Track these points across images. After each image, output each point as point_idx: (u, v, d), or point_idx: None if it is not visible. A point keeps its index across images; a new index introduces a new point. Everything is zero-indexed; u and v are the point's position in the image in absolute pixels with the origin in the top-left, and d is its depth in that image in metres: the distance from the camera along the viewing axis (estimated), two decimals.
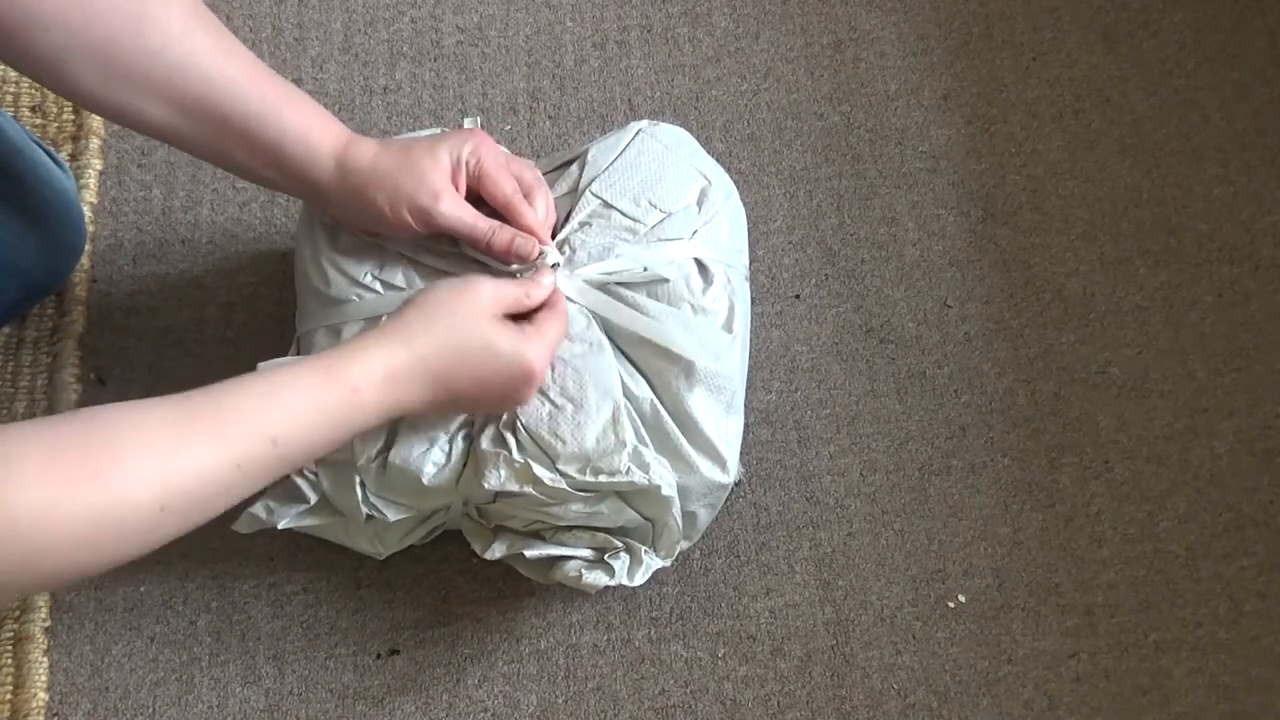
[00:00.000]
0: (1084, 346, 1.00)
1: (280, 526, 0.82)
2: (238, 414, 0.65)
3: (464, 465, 0.80)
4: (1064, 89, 1.11)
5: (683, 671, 0.89)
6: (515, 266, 0.82)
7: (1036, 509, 0.94)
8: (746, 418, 0.88)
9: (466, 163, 0.81)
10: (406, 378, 0.71)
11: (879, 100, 1.10)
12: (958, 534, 0.93)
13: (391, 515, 0.82)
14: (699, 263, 0.85)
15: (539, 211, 0.83)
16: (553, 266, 0.82)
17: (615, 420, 0.79)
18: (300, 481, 0.81)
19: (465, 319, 0.73)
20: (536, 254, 0.81)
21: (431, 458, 0.79)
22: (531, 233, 0.81)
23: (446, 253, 0.85)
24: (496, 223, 0.81)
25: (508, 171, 0.82)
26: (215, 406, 0.64)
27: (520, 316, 0.78)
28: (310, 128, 0.79)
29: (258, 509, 0.83)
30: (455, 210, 0.80)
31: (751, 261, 0.95)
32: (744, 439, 0.87)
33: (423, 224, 0.80)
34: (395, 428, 0.80)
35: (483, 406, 0.78)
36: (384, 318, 0.76)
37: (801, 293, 1.02)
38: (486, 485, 0.78)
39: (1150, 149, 1.08)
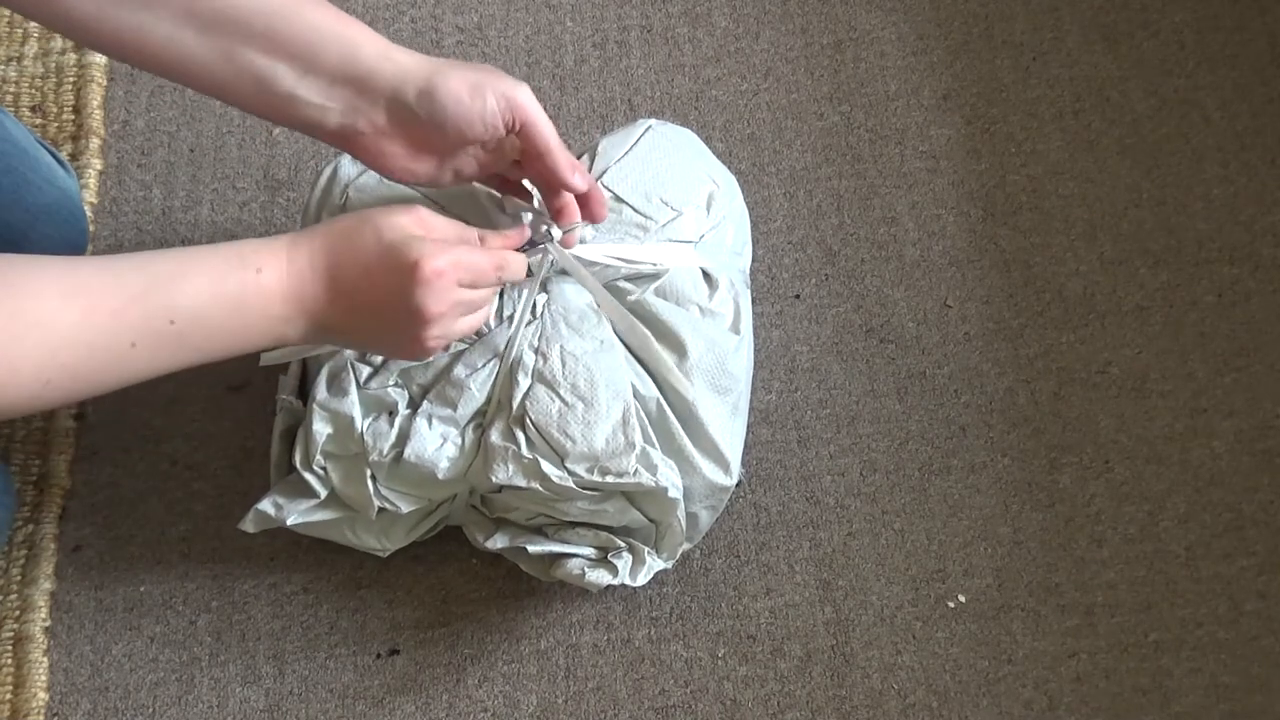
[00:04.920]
0: (1084, 346, 1.00)
1: (289, 523, 0.82)
2: (139, 292, 0.64)
3: (475, 455, 0.80)
4: (1064, 89, 1.11)
5: (683, 671, 0.89)
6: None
7: (1036, 509, 0.94)
8: (747, 418, 0.88)
9: (526, 100, 0.76)
10: (306, 266, 0.69)
11: (879, 100, 1.10)
12: (958, 534, 0.93)
13: (404, 507, 0.82)
14: (703, 268, 0.86)
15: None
16: (542, 239, 0.80)
17: (625, 421, 0.79)
18: (309, 477, 0.81)
19: (371, 221, 0.70)
20: (583, 189, 0.78)
21: (445, 453, 0.79)
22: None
23: (474, 204, 0.84)
24: None
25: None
26: (119, 284, 0.64)
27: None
28: (343, 23, 0.72)
29: (266, 506, 0.82)
30: (538, 104, 0.75)
31: (752, 261, 0.95)
32: (744, 439, 0.87)
33: (506, 111, 0.74)
34: (407, 425, 0.80)
35: (384, 323, 0.71)
36: None
37: (801, 293, 1.02)
38: (494, 479, 0.78)
39: (1150, 149, 1.08)
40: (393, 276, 0.69)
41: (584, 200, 0.80)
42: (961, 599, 0.91)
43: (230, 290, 0.67)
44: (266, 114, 0.75)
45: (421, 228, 0.71)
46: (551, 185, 0.79)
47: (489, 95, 0.73)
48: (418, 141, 0.75)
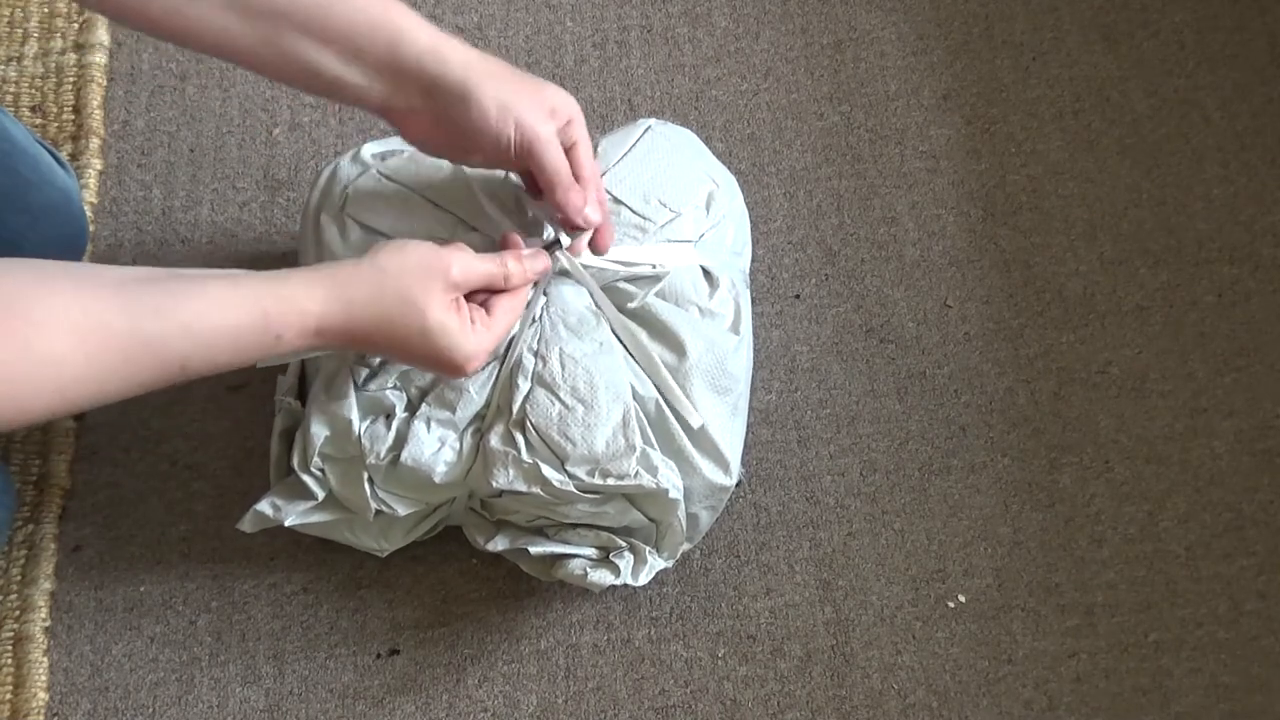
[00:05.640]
0: (1084, 346, 1.00)
1: (287, 524, 0.82)
2: (154, 342, 0.64)
3: (474, 459, 0.80)
4: (1064, 89, 1.11)
5: (683, 671, 0.89)
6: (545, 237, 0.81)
7: (1036, 509, 0.94)
8: (747, 418, 0.88)
9: (569, 119, 0.78)
10: (335, 335, 0.70)
11: (879, 100, 1.10)
12: (958, 534, 0.93)
13: (401, 510, 0.82)
14: (704, 266, 0.86)
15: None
16: (551, 246, 0.80)
17: (625, 423, 0.79)
18: (307, 478, 0.81)
19: (417, 307, 0.71)
20: (593, 226, 0.79)
21: (443, 457, 0.79)
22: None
23: (479, 207, 0.84)
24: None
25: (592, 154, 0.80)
26: (134, 328, 0.64)
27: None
28: (389, 11, 0.73)
29: (264, 506, 0.82)
30: (557, 145, 0.76)
31: (752, 261, 0.95)
32: (744, 439, 0.87)
33: (521, 145, 0.75)
34: (405, 428, 0.79)
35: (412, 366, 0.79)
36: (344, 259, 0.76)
37: (801, 293, 1.02)
38: (495, 484, 0.78)
39: (1150, 149, 1.08)
40: (437, 366, 0.75)
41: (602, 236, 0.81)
42: (961, 599, 0.91)
43: (247, 350, 0.68)
44: (310, 91, 0.77)
45: (461, 286, 0.73)
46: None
47: (510, 125, 0.74)
48: (447, 131, 0.76)
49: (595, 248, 0.81)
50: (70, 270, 0.66)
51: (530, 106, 0.75)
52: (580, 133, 0.79)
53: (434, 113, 0.75)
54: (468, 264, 0.73)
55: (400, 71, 0.74)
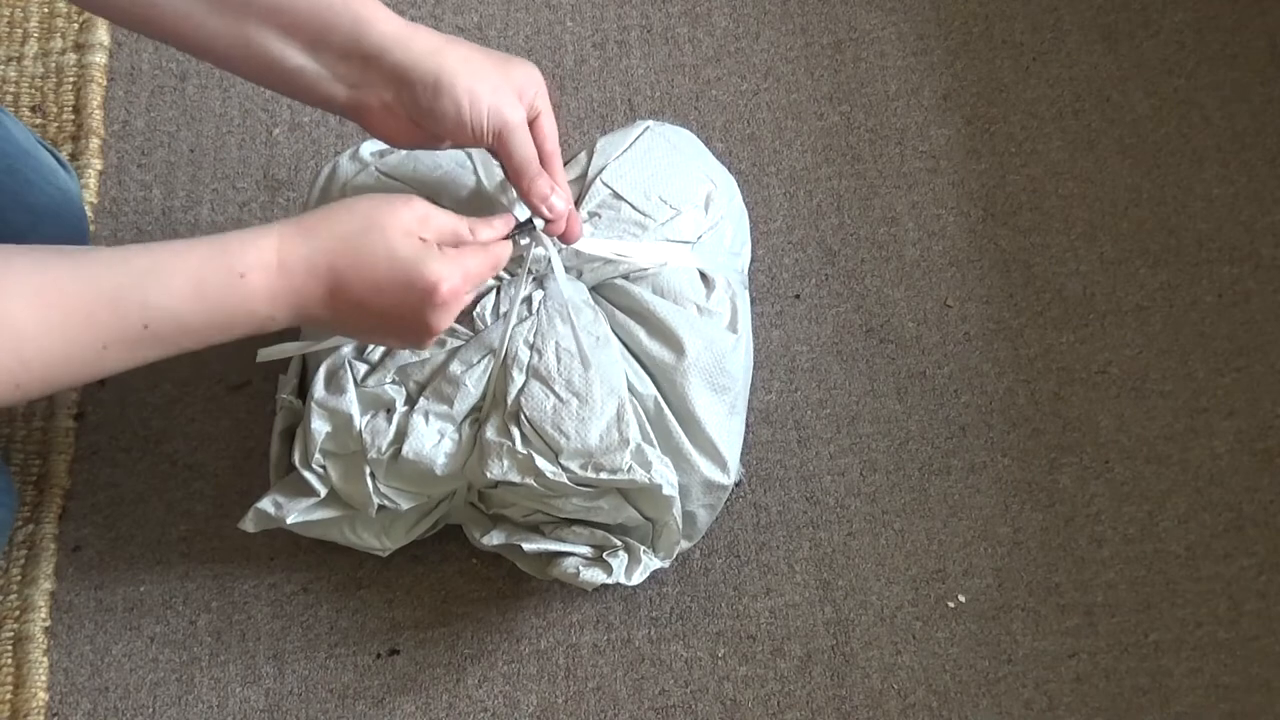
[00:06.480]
0: (1084, 346, 1.00)
1: (289, 522, 0.82)
2: (113, 295, 0.62)
3: (472, 449, 0.80)
4: (1064, 89, 1.11)
5: (683, 671, 0.89)
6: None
7: (1036, 509, 0.94)
8: (747, 418, 0.88)
9: (535, 91, 0.76)
10: (301, 270, 0.66)
11: (879, 100, 1.10)
12: (958, 534, 0.93)
13: (404, 504, 0.82)
14: (700, 270, 0.86)
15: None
16: (526, 224, 0.79)
17: (620, 417, 0.79)
18: (309, 475, 0.81)
19: (378, 225, 0.68)
20: (566, 213, 0.77)
21: (443, 449, 0.80)
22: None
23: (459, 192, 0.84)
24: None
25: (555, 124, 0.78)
26: (91, 283, 0.62)
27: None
28: (357, 1, 0.72)
29: (265, 505, 0.82)
30: (526, 132, 0.75)
31: (751, 261, 0.95)
32: (744, 439, 0.87)
33: (494, 133, 0.74)
34: (405, 422, 0.80)
35: (388, 328, 0.71)
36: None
37: (801, 293, 1.02)
38: (489, 474, 0.79)
39: (1150, 149, 1.08)
40: (408, 295, 0.68)
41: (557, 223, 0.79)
42: (961, 599, 0.91)
43: (210, 294, 0.65)
44: (277, 87, 0.75)
45: (423, 227, 0.70)
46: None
47: (483, 114, 0.73)
48: (421, 123, 0.75)
49: (564, 238, 0.79)
50: (23, 247, 0.64)
51: (501, 92, 0.73)
52: (543, 103, 0.77)
53: (406, 105, 0.73)
54: (436, 210, 0.71)
55: (366, 61, 0.72)
